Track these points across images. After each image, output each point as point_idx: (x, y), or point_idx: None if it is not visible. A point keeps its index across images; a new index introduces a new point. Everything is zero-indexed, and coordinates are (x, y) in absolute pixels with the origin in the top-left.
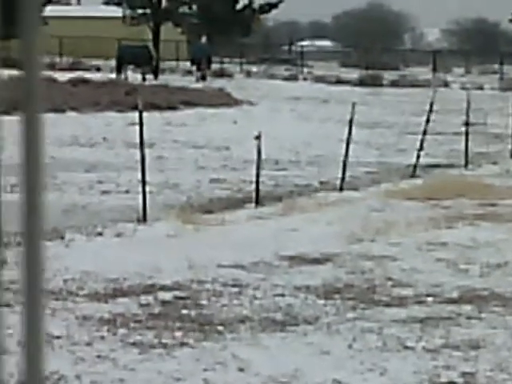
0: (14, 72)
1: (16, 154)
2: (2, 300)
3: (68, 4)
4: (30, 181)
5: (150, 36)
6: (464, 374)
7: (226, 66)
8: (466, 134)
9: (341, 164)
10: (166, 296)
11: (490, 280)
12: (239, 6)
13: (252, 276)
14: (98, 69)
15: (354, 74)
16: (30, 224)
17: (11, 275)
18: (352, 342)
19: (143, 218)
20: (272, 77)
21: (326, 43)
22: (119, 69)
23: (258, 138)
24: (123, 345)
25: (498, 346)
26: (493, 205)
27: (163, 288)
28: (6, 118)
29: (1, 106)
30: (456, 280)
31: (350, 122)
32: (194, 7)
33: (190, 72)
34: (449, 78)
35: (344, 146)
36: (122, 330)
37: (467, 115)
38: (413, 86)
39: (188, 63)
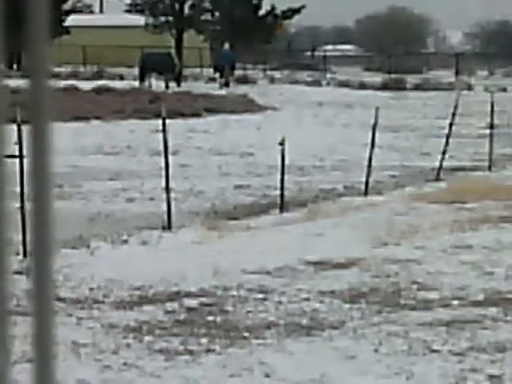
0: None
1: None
2: (8, 309)
3: (91, 13)
4: (38, 190)
5: (173, 43)
6: (491, 377)
7: (249, 72)
8: (490, 136)
9: (365, 168)
10: (192, 303)
11: None
12: (262, 12)
13: (277, 281)
14: (122, 77)
15: (377, 78)
16: (39, 234)
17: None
18: (378, 346)
19: (168, 226)
20: (295, 82)
21: (349, 48)
22: (142, 77)
23: (281, 143)
24: (149, 352)
25: None
26: None
27: (188, 295)
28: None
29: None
30: (481, 282)
31: (374, 126)
32: (217, 14)
33: (213, 79)
34: (472, 80)
35: (368, 150)
36: (147, 338)
37: (491, 117)
38: (436, 89)
39: (211, 70)
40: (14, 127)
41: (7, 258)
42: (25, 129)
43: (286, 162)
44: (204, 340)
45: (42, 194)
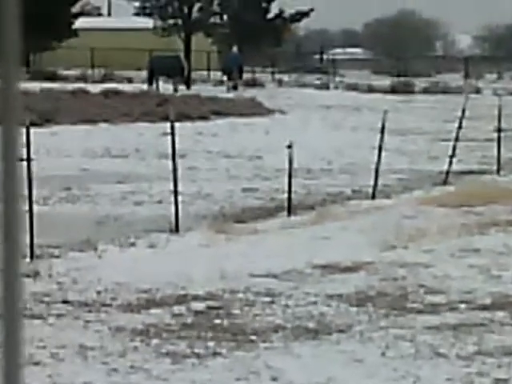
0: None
1: (48, 166)
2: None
3: (99, 15)
4: (6, 192)
5: (181, 46)
6: (497, 381)
7: (257, 75)
8: (498, 140)
9: (373, 172)
10: (199, 306)
11: None
12: (270, 16)
13: (284, 285)
14: (130, 80)
15: (385, 82)
16: (7, 236)
17: (43, 287)
18: (385, 349)
19: (176, 229)
20: (303, 85)
21: (358, 51)
22: (151, 80)
23: (289, 146)
24: (156, 355)
25: None
26: None
27: (196, 298)
28: (37, 130)
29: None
30: (489, 286)
31: (382, 129)
32: (225, 17)
33: (221, 82)
34: (481, 84)
35: (376, 153)
36: (155, 341)
37: (499, 121)
38: (445, 92)
39: (219, 73)
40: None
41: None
42: (32, 132)
43: (294, 165)
44: (211, 343)
45: (10, 196)
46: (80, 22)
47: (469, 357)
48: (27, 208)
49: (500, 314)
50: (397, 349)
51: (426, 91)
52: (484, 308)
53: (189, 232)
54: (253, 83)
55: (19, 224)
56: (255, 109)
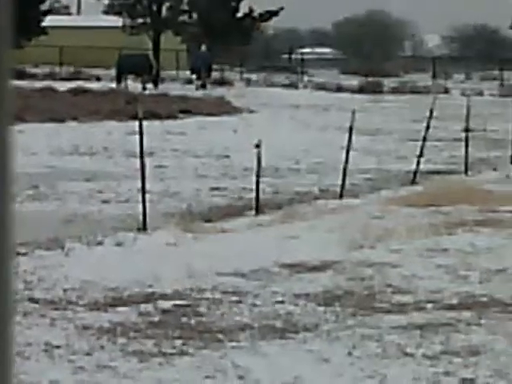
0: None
1: (15, 163)
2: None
3: (68, 14)
4: None
5: (150, 45)
6: (464, 381)
7: (226, 74)
8: (466, 140)
9: (341, 171)
10: (166, 305)
11: (490, 286)
12: (239, 15)
13: (252, 284)
14: (98, 78)
15: (354, 81)
16: None
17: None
18: (352, 349)
19: (143, 227)
20: (272, 85)
21: (327, 50)
22: (119, 78)
23: (258, 146)
24: (123, 354)
25: (498, 352)
26: (493, 211)
27: (163, 297)
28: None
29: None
30: (456, 286)
31: (350, 129)
32: (194, 16)
33: (190, 81)
34: (449, 84)
35: (344, 153)
36: (121, 339)
37: (467, 121)
38: (413, 92)
39: (188, 72)
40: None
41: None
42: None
43: (262, 164)
44: (178, 342)
45: (1, 195)
46: (49, 20)
47: (435, 356)
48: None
49: (467, 314)
50: (364, 348)
51: (394, 91)
52: (451, 308)
53: (156, 230)
54: (221, 82)
55: (11, 223)
56: (224, 108)
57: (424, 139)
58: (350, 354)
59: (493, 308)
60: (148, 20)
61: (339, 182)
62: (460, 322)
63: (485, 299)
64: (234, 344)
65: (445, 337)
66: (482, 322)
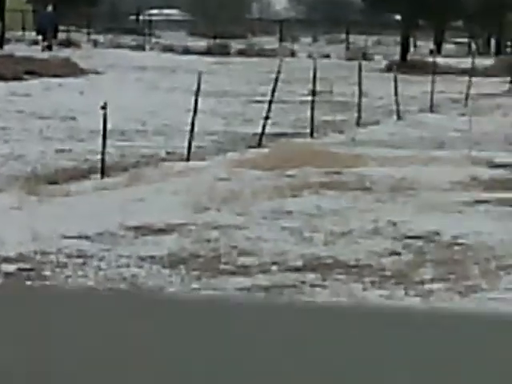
0: None
1: None
2: None
3: None
4: None
5: None
6: None
7: (72, 35)
8: (312, 102)
9: (187, 133)
10: (10, 268)
11: (335, 248)
12: None
13: (97, 246)
14: None
15: (201, 43)
16: None
17: None
18: None
19: None
20: (119, 46)
21: (175, 12)
22: None
23: (104, 107)
24: None
25: None
26: (338, 173)
27: (6, 260)
28: None
29: None
30: (301, 248)
31: (197, 91)
32: None
33: (36, 42)
34: (296, 47)
35: (191, 115)
36: None
37: (313, 84)
38: (260, 55)
39: (34, 33)
40: None
41: None
42: None
43: (108, 126)
44: None
45: None
46: None
47: None
48: None
49: (311, 276)
50: None
51: (241, 53)
52: (296, 270)
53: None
54: (68, 43)
55: None
56: (70, 69)
57: (270, 102)
58: None
59: (337, 270)
60: None
61: (186, 144)
62: (304, 283)
63: (329, 261)
64: None
65: (289, 298)
66: (326, 283)
